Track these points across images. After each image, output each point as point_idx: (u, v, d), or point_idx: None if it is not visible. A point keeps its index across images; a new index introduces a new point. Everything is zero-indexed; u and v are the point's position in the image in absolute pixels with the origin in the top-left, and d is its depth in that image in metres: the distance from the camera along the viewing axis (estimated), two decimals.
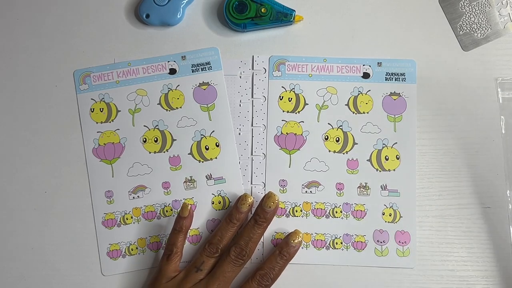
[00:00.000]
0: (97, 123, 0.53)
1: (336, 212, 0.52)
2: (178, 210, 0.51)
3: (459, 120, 0.53)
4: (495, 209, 0.51)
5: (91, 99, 0.53)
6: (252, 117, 0.53)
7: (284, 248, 0.48)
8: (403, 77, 0.53)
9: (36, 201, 0.52)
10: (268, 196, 0.48)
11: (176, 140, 0.53)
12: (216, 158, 0.52)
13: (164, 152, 0.52)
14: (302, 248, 0.51)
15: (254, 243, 0.48)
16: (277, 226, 0.52)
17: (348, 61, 0.53)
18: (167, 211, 0.52)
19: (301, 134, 0.53)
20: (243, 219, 0.49)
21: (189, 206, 0.49)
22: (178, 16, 0.53)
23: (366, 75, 0.53)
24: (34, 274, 0.51)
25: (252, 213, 0.50)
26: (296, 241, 0.48)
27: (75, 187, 0.52)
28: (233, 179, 0.52)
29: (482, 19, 0.54)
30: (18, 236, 0.52)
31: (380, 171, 0.52)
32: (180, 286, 0.47)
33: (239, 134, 0.53)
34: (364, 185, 0.52)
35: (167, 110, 0.53)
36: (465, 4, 0.54)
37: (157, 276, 0.49)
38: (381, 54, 0.53)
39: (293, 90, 0.53)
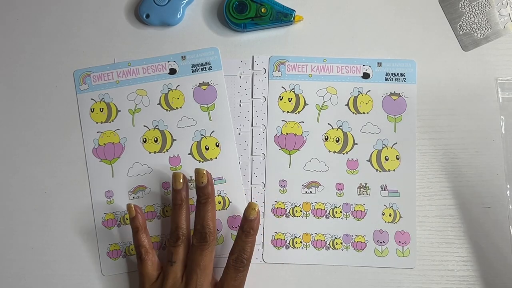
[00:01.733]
0: (97, 123, 0.53)
1: (336, 213, 0.52)
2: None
3: (459, 120, 0.53)
4: (495, 209, 0.51)
5: (91, 99, 0.53)
6: (252, 117, 0.53)
7: (245, 225, 0.47)
8: (403, 77, 0.53)
9: (36, 201, 0.52)
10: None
11: (176, 140, 0.53)
12: (216, 158, 0.52)
13: (164, 152, 0.52)
14: (302, 248, 0.51)
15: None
16: (277, 226, 0.52)
17: (348, 61, 0.53)
18: (167, 211, 0.52)
19: (301, 134, 0.53)
20: (185, 197, 0.49)
21: (133, 205, 0.49)
22: (178, 16, 0.53)
23: (366, 75, 0.53)
24: (34, 274, 0.52)
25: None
26: (252, 213, 0.47)
27: (75, 187, 0.52)
28: (233, 179, 0.52)
29: (482, 19, 0.54)
30: (18, 236, 0.52)
31: (380, 171, 0.52)
32: (163, 284, 0.47)
33: (239, 134, 0.53)
34: (364, 185, 0.52)
35: (167, 110, 0.53)
36: (465, 4, 0.54)
37: (140, 280, 0.49)
38: (381, 54, 0.53)
39: (293, 90, 0.53)
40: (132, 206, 0.49)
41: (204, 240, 0.47)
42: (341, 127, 0.53)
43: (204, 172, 0.48)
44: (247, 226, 0.47)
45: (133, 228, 0.49)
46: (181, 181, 0.49)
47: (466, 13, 0.54)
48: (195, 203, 0.49)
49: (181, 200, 0.49)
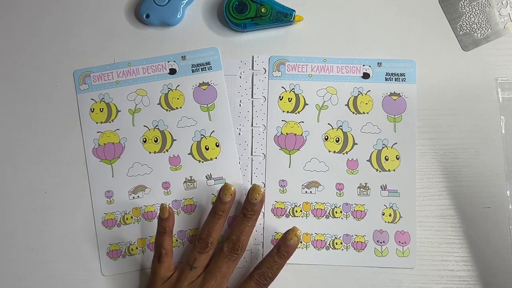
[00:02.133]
0: (97, 123, 0.53)
1: (336, 213, 0.52)
2: (179, 210, 0.52)
3: (459, 120, 0.53)
4: (495, 209, 0.51)
5: (91, 99, 0.53)
6: (252, 117, 0.53)
7: (281, 247, 0.48)
8: (403, 77, 0.53)
9: (36, 201, 0.52)
10: (253, 188, 0.48)
11: (176, 140, 0.53)
12: (216, 158, 0.52)
13: (164, 152, 0.52)
14: (302, 248, 0.51)
15: (246, 237, 0.48)
16: (277, 226, 0.52)
17: (348, 61, 0.53)
18: None
19: (301, 134, 0.53)
20: (227, 209, 0.49)
21: (168, 206, 0.48)
22: (178, 16, 0.53)
23: (366, 75, 0.53)
24: (34, 274, 0.52)
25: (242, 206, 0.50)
26: (293, 239, 0.48)
27: (75, 187, 0.52)
28: (233, 179, 0.52)
29: (482, 19, 0.54)
30: (18, 236, 0.52)
31: (380, 171, 0.52)
32: (177, 286, 0.47)
33: (239, 134, 0.53)
34: (364, 185, 0.52)
35: (167, 110, 0.53)
36: (465, 4, 0.54)
37: (152, 278, 0.48)
38: (381, 54, 0.53)
39: (293, 90, 0.53)
40: (167, 207, 0.48)
41: (235, 252, 0.47)
42: (341, 127, 0.53)
43: (262, 191, 0.48)
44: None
45: (160, 229, 0.48)
46: (231, 194, 0.49)
47: (466, 13, 0.54)
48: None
49: (222, 211, 0.49)
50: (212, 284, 0.47)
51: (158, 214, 0.49)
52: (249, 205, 0.48)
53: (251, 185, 0.49)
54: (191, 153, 0.52)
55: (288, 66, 0.53)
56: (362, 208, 0.52)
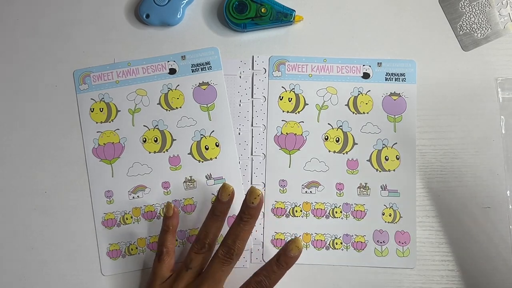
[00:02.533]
0: (97, 123, 0.53)
1: (336, 212, 0.52)
2: (179, 210, 0.52)
3: (459, 120, 0.53)
4: (495, 209, 0.51)
5: (91, 99, 0.53)
6: (252, 117, 0.53)
7: (281, 257, 0.45)
8: (403, 77, 0.53)
9: (36, 201, 0.52)
10: (251, 192, 0.46)
11: (176, 140, 0.53)
12: (216, 158, 0.52)
13: (164, 152, 0.52)
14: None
15: (242, 241, 0.46)
16: (277, 226, 0.52)
17: (348, 61, 0.53)
18: None
19: (301, 134, 0.53)
20: (226, 210, 0.48)
21: (173, 205, 0.48)
22: (178, 16, 0.53)
23: (366, 75, 0.53)
24: (34, 274, 0.52)
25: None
26: (294, 250, 0.45)
27: (75, 187, 0.52)
28: (233, 179, 0.52)
29: (482, 19, 0.54)
30: (18, 236, 0.52)
31: (380, 171, 0.52)
32: (173, 287, 0.47)
33: (239, 134, 0.53)
34: (364, 185, 0.52)
35: (167, 110, 0.53)
36: (465, 4, 0.54)
37: (151, 277, 0.48)
38: (381, 54, 0.53)
39: (293, 90, 0.53)
40: (172, 206, 0.48)
41: (229, 256, 0.46)
42: (341, 127, 0.53)
43: (259, 194, 0.46)
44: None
45: (164, 227, 0.48)
46: (228, 194, 0.47)
47: (466, 13, 0.54)
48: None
49: (220, 212, 0.47)
50: None
51: (163, 212, 0.49)
52: (246, 209, 0.46)
53: (249, 187, 0.47)
54: (191, 153, 0.52)
55: (288, 66, 0.53)
56: (362, 208, 0.52)
